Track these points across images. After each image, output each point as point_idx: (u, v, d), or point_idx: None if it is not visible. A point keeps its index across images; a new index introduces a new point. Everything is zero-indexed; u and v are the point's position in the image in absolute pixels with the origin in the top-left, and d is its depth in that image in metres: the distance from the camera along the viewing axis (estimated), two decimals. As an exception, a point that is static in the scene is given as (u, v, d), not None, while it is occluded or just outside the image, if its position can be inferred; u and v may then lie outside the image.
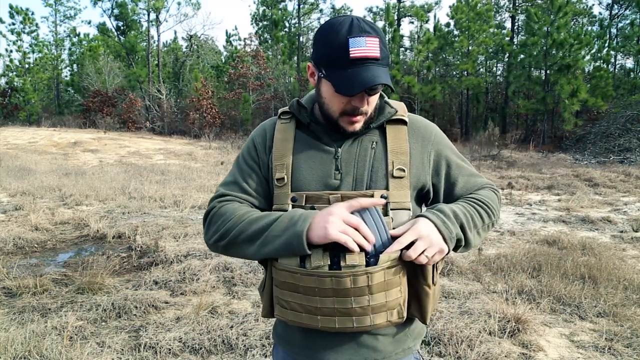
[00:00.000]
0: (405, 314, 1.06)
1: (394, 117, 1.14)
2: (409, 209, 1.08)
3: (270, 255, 1.04)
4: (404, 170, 1.09)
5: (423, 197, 1.19)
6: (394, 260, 0.99)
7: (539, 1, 26.08)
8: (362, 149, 1.12)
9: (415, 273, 1.05)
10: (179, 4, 64.46)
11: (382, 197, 1.05)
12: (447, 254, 1.03)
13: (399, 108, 1.17)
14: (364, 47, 1.00)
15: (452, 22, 25.77)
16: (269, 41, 30.81)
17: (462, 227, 1.05)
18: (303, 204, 1.08)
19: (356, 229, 0.97)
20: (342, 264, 0.98)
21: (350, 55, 1.00)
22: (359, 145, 1.12)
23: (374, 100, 1.09)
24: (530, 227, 6.34)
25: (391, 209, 1.06)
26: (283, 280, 1.04)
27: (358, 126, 1.10)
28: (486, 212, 1.14)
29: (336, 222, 0.96)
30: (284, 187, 1.11)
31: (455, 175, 1.18)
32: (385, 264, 0.98)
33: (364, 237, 0.97)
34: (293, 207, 1.09)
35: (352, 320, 1.02)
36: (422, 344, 2.93)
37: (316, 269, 0.99)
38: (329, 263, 0.98)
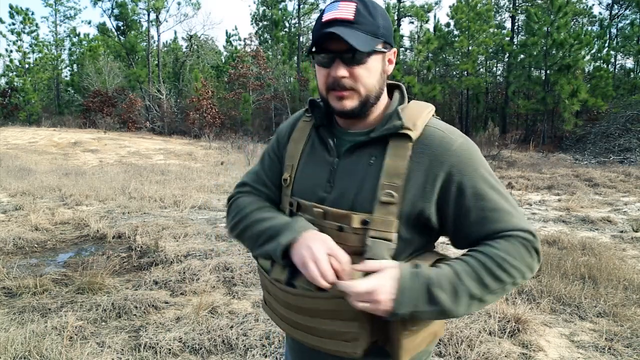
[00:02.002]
0: (361, 351, 0.94)
1: (399, 132, 0.97)
2: (391, 240, 0.94)
3: (261, 257, 1.09)
4: (393, 196, 0.94)
5: (427, 226, 0.99)
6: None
7: (539, 1, 26.08)
8: (359, 164, 1.01)
9: None
10: (179, 4, 64.44)
11: (363, 221, 0.95)
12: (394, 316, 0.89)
13: (412, 118, 0.98)
14: (336, 10, 0.95)
15: (452, 22, 25.79)
16: (269, 41, 30.82)
17: (436, 301, 0.88)
18: (295, 211, 1.07)
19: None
20: (295, 282, 1.00)
21: (322, 20, 0.97)
22: (358, 158, 1.01)
23: (359, 72, 0.96)
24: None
25: (370, 237, 0.94)
26: (261, 278, 1.13)
27: (348, 104, 0.98)
28: (494, 277, 0.90)
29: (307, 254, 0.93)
30: (287, 189, 1.11)
31: (469, 206, 0.95)
32: (335, 293, 0.90)
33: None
34: (290, 211, 1.08)
35: (308, 337, 1.00)
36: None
37: (275, 280, 1.04)
38: (286, 278, 1.01)
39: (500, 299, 0.95)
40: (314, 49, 0.99)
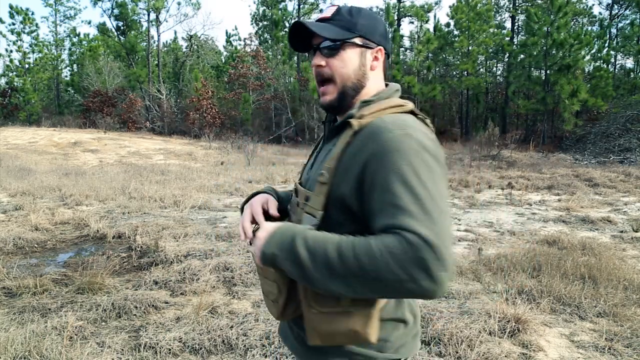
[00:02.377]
0: (279, 315, 1.10)
1: (346, 121, 1.04)
2: (316, 217, 1.01)
3: None
4: (325, 177, 1.01)
5: (353, 211, 0.99)
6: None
7: (539, 1, 26.09)
8: (327, 149, 1.10)
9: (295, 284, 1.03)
10: (179, 4, 64.38)
11: (306, 197, 1.07)
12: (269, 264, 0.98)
13: (369, 110, 1.03)
14: (321, 14, 1.11)
15: (452, 22, 25.81)
16: (269, 41, 30.83)
17: (295, 253, 0.91)
18: (293, 192, 1.23)
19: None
20: None
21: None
22: (329, 144, 1.12)
23: (334, 63, 1.06)
24: (530, 227, 6.34)
25: (305, 212, 1.04)
26: None
27: (328, 98, 1.09)
28: (357, 260, 0.85)
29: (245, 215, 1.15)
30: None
31: (374, 197, 0.92)
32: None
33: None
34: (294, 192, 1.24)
35: (265, 299, 1.18)
36: (421, 344, 2.93)
37: None
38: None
39: (374, 295, 0.87)
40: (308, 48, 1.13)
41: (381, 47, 1.09)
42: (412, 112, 1.05)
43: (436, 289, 0.82)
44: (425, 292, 0.83)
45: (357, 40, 1.06)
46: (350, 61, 1.06)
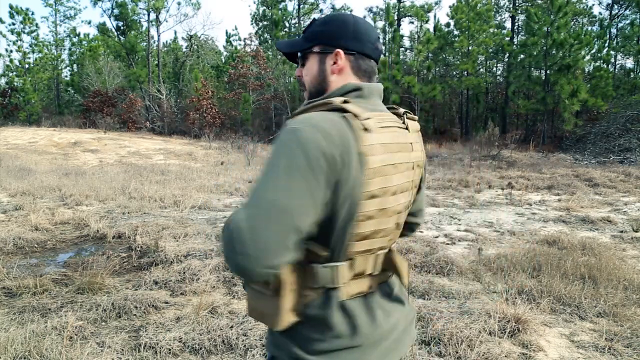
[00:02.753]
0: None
1: None
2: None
3: None
4: None
5: None
6: None
7: (539, 1, 26.10)
8: None
9: None
10: (179, 4, 64.54)
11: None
12: None
13: (300, 110, 1.05)
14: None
15: (452, 22, 25.80)
16: (269, 41, 30.81)
17: None
18: None
19: None
20: None
21: None
22: None
23: (303, 72, 1.17)
24: (530, 227, 6.34)
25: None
26: None
27: (306, 99, 1.20)
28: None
29: None
30: None
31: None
32: None
33: None
34: None
35: None
36: (421, 344, 2.93)
37: None
38: None
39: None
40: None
41: (339, 50, 1.09)
42: (340, 109, 0.99)
43: (243, 269, 0.88)
44: (237, 271, 0.90)
45: (316, 49, 1.13)
46: (311, 68, 1.15)
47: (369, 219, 1.02)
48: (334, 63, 1.11)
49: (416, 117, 1.21)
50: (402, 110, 1.16)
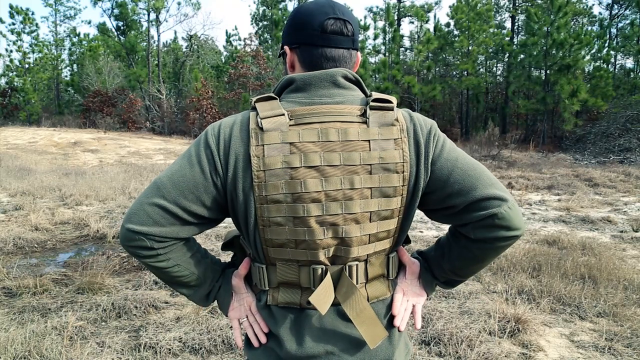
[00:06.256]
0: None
1: None
2: None
3: None
4: None
5: None
6: None
7: (539, 1, 26.08)
8: None
9: None
10: (179, 4, 64.51)
11: None
12: None
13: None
14: None
15: (452, 22, 25.78)
16: (269, 41, 30.82)
17: None
18: None
19: None
20: None
21: None
22: None
23: None
24: (530, 227, 6.34)
25: None
26: None
27: None
28: None
29: None
30: None
31: None
32: None
33: None
34: None
35: None
36: (421, 344, 2.93)
37: None
38: None
39: None
40: None
41: (286, 47, 1.08)
42: (254, 108, 0.98)
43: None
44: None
45: (281, 51, 1.13)
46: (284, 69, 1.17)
47: (278, 225, 0.94)
48: (287, 60, 1.10)
49: (393, 106, 0.97)
50: (373, 97, 0.97)
